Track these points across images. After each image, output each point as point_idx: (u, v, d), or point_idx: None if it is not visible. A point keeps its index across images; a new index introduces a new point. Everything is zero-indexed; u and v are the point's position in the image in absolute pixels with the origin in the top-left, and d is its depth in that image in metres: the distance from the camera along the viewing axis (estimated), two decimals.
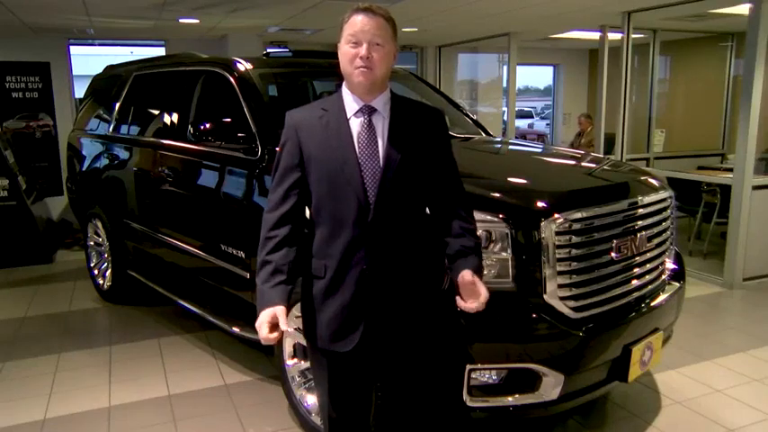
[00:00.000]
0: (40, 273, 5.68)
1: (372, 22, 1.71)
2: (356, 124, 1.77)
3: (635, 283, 2.60)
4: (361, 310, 1.77)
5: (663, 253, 2.80)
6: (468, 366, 2.28)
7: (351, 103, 1.79)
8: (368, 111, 1.78)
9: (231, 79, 3.33)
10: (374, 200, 1.72)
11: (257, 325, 1.72)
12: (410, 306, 1.82)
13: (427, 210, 1.88)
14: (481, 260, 1.86)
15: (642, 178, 2.92)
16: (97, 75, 5.32)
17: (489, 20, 6.72)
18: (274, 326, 1.69)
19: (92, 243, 4.93)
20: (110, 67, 5.18)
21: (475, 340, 2.28)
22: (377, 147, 1.76)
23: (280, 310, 1.71)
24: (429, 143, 1.83)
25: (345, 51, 1.74)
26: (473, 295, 1.75)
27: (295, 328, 2.55)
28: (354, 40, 1.71)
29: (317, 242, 1.80)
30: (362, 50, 1.70)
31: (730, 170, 5.37)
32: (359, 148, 1.75)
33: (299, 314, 1.98)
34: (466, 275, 1.76)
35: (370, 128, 1.77)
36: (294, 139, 1.80)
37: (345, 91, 1.81)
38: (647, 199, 2.68)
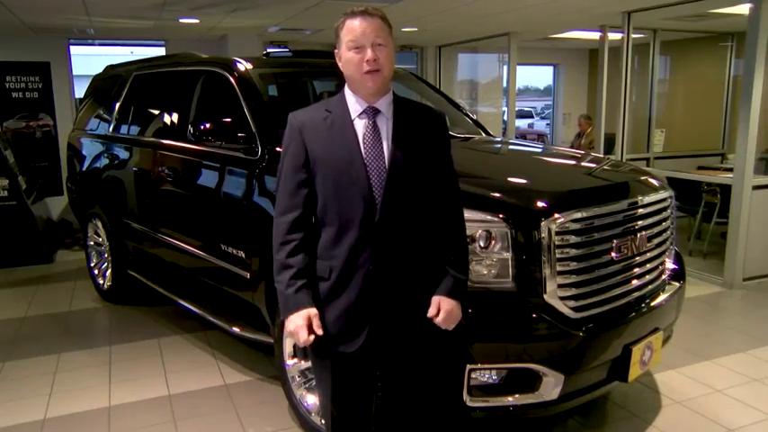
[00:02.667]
0: (40, 273, 5.68)
1: (372, 25, 1.71)
2: (360, 125, 1.78)
3: (635, 283, 2.59)
4: (367, 311, 1.77)
5: (663, 253, 2.80)
6: (469, 366, 2.28)
7: (354, 104, 1.79)
8: (372, 112, 1.78)
9: (231, 79, 3.33)
10: (380, 200, 1.73)
11: (292, 330, 1.75)
12: (415, 306, 1.82)
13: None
14: (459, 277, 1.86)
15: (642, 178, 2.92)
16: (97, 75, 5.31)
17: (489, 20, 6.72)
18: (309, 328, 1.73)
19: (92, 243, 4.93)
20: (110, 67, 5.18)
21: (475, 340, 2.27)
22: (382, 147, 1.76)
23: (313, 312, 1.75)
24: (431, 145, 1.83)
25: (349, 58, 1.73)
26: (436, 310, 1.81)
27: None
28: (357, 44, 1.71)
29: (322, 244, 1.79)
30: (368, 54, 1.70)
31: (730, 170, 5.37)
32: (364, 148, 1.75)
33: None
34: (436, 300, 1.82)
35: (374, 129, 1.77)
36: (299, 140, 1.79)
37: (348, 92, 1.81)
38: (647, 199, 2.68)
